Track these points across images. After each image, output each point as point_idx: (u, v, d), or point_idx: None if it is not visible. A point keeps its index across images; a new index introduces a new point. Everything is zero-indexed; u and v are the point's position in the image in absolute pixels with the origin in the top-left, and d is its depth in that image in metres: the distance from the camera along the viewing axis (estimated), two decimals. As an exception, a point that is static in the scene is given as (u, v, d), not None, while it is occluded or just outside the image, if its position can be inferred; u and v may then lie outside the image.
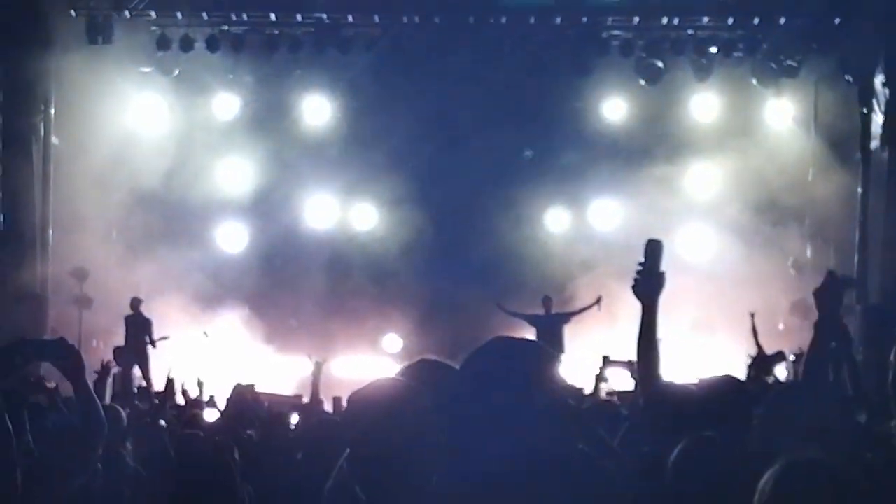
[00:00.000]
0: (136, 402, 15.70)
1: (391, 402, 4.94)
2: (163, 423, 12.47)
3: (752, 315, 21.89)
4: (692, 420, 6.08)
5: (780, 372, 20.12)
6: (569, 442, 4.10)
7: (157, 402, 16.61)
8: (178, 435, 11.30)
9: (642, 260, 6.66)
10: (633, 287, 6.65)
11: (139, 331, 26.94)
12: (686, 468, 5.43)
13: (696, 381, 7.00)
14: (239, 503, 9.88)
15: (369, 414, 4.95)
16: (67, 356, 7.20)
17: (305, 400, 20.78)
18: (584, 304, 27.91)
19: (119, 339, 26.86)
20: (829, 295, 6.80)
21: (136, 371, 26.24)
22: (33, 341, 7.43)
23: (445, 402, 5.23)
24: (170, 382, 19.19)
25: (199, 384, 19.23)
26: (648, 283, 6.62)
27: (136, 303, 27.17)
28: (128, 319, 27.07)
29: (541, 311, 27.93)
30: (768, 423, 5.63)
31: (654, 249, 6.67)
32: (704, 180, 30.10)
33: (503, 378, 3.97)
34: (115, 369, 25.98)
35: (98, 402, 7.42)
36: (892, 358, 6.16)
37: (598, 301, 27.21)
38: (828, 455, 4.39)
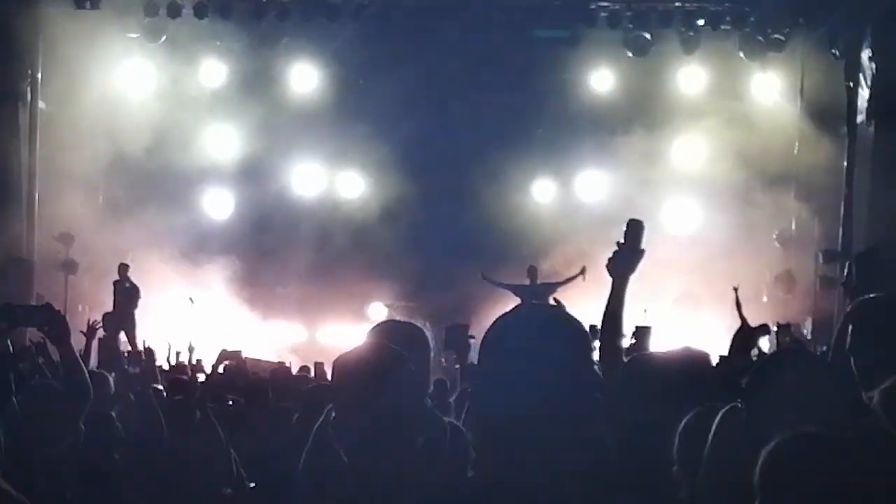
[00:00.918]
0: (126, 367, 15.70)
1: (376, 366, 4.97)
2: (158, 386, 12.49)
3: (736, 289, 21.84)
4: (662, 391, 6.08)
5: (764, 344, 20.15)
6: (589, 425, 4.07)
7: (146, 366, 16.62)
8: (166, 400, 11.31)
9: (622, 239, 6.73)
10: (608, 263, 6.71)
11: (127, 297, 27.00)
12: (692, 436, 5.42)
13: (662, 353, 7.00)
14: (227, 464, 9.92)
15: (354, 378, 4.98)
16: (53, 322, 7.24)
17: (291, 367, 20.93)
18: (569, 274, 27.94)
19: (104, 305, 26.90)
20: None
21: (122, 337, 26.28)
22: (20, 306, 7.46)
23: (421, 363, 5.25)
24: (148, 351, 19.19)
25: (190, 349, 19.27)
26: (624, 260, 6.69)
27: (123, 269, 27.22)
28: (116, 285, 27.11)
29: (526, 281, 27.99)
30: (756, 394, 5.62)
31: (634, 229, 6.76)
32: (690, 152, 30.16)
33: (537, 348, 3.93)
34: (100, 334, 26.12)
35: (84, 367, 7.45)
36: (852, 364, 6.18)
37: (582, 271, 27.20)
38: (824, 427, 4.40)
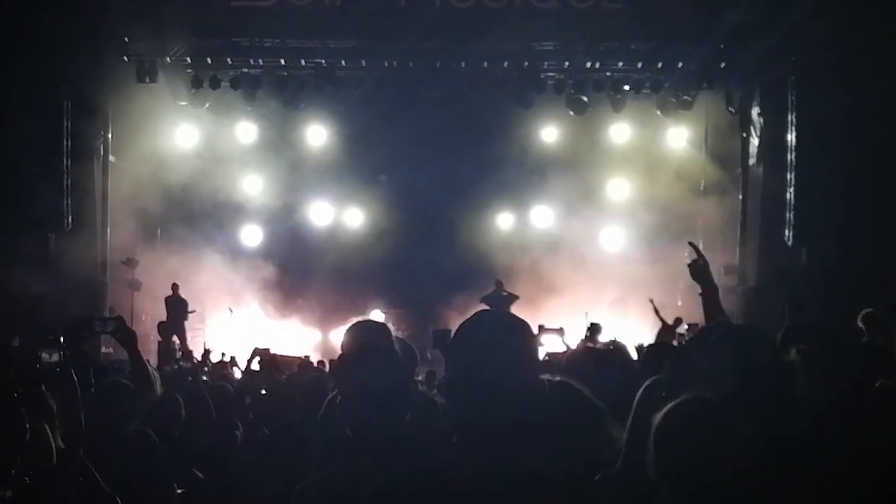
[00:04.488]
0: (181, 363, 15.75)
1: (371, 362, 5.00)
2: (204, 378, 12.50)
3: (652, 300, 21.98)
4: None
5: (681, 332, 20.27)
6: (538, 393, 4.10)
7: (196, 362, 16.68)
8: (210, 385, 11.32)
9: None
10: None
11: (178, 308, 27.06)
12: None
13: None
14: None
15: (355, 370, 5.01)
16: (124, 330, 7.30)
17: (312, 360, 20.98)
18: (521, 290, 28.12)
19: (162, 315, 26.99)
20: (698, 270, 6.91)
21: (176, 340, 26.36)
22: (97, 318, 7.51)
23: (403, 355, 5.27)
24: (206, 352, 19.17)
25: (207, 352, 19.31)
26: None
27: (175, 287, 27.30)
28: (168, 300, 27.17)
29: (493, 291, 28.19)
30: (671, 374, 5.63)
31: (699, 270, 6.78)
32: (620, 190, 30.26)
33: (495, 346, 3.97)
34: (157, 339, 26.25)
35: (147, 365, 7.48)
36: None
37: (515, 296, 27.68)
38: (709, 394, 4.40)
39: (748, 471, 4.19)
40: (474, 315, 4.15)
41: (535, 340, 4.14)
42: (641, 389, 5.31)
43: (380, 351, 5.17)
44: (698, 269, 6.82)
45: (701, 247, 27.21)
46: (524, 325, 4.08)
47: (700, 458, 4.18)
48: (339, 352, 6.04)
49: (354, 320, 6.32)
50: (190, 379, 11.26)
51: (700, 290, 6.82)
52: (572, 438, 4.33)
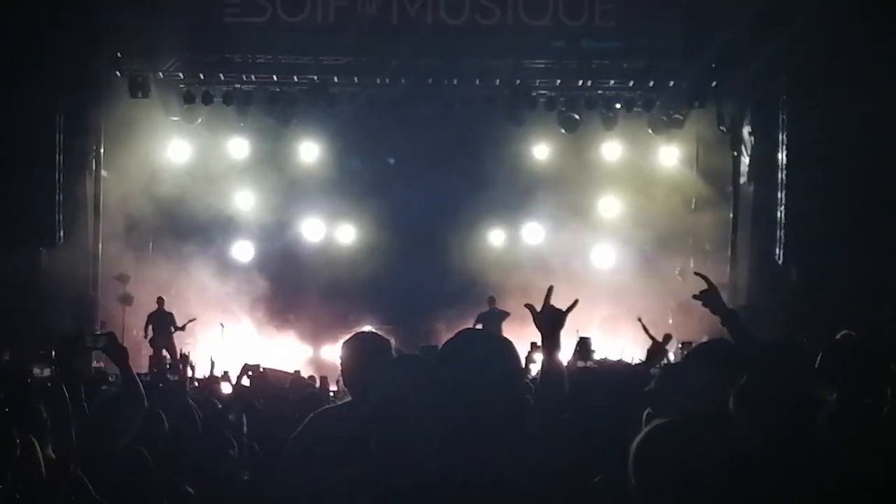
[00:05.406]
0: (169, 377, 15.71)
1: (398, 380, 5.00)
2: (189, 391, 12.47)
3: (640, 319, 21.85)
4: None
5: (671, 349, 20.17)
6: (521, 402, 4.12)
7: (184, 377, 16.65)
8: (198, 400, 11.29)
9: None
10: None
11: (164, 323, 27.05)
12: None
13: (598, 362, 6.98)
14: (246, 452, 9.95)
15: (384, 391, 5.01)
16: (115, 346, 7.30)
17: (304, 375, 20.92)
18: (514, 305, 28.05)
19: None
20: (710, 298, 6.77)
21: (166, 354, 26.34)
22: (89, 335, 7.53)
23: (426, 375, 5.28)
24: (186, 360, 19.09)
25: (212, 363, 19.21)
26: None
27: (161, 301, 27.33)
28: (151, 315, 27.19)
29: (486, 308, 28.17)
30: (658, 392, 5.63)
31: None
32: (611, 208, 30.28)
33: (480, 363, 3.99)
34: (149, 353, 26.22)
35: (139, 381, 7.47)
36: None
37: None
38: (688, 417, 4.38)
39: (727, 493, 4.18)
40: (458, 333, 4.17)
41: (518, 358, 4.17)
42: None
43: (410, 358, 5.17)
44: (711, 299, 6.69)
45: (691, 265, 27.14)
46: (507, 343, 4.12)
47: (676, 483, 4.15)
48: (339, 364, 6.03)
49: (356, 331, 6.31)
50: (176, 391, 11.24)
51: (721, 321, 6.69)
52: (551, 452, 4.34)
